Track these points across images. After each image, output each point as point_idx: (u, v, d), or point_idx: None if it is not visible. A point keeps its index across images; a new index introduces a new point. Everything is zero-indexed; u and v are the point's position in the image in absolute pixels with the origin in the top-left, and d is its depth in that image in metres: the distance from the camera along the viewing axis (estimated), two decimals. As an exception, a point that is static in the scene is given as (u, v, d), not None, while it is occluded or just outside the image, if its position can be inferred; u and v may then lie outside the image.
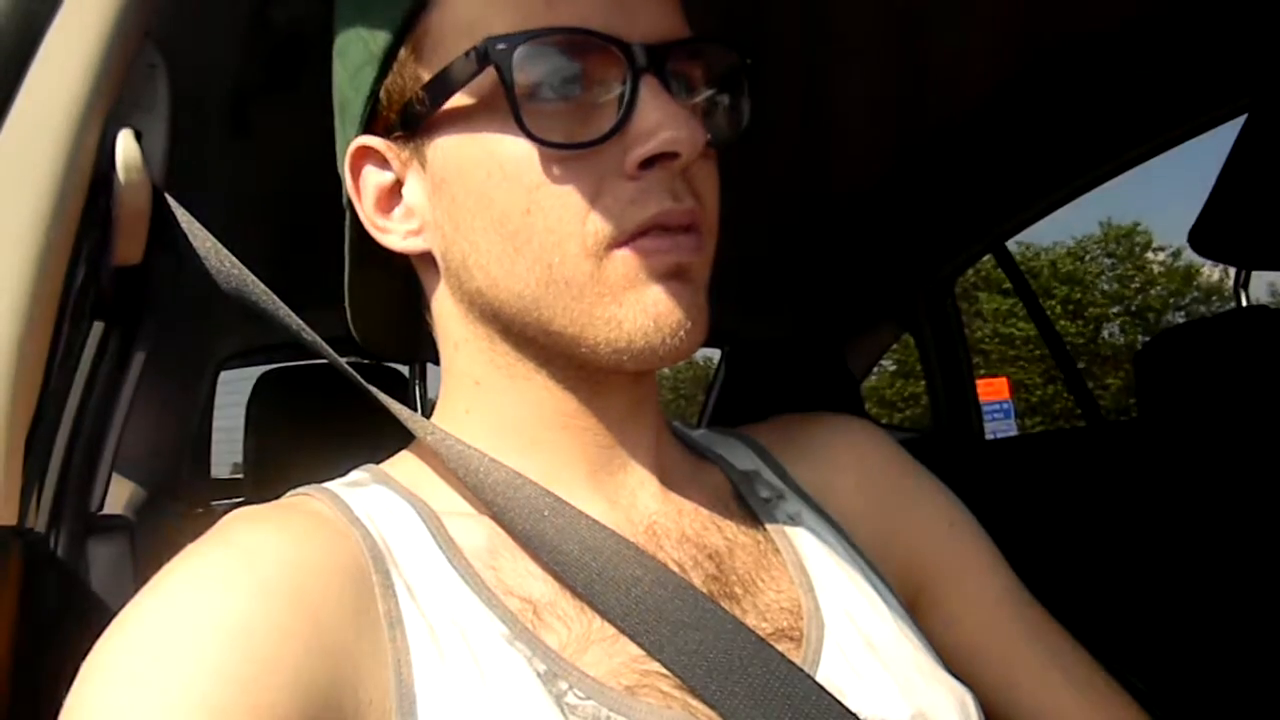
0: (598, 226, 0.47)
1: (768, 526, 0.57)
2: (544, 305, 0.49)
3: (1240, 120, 1.05)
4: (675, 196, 0.48)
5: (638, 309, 0.48)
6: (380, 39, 0.51)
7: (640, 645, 0.46)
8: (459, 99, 0.48)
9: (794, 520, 0.57)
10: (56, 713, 0.38)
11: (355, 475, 0.54)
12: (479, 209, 0.49)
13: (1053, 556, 1.19)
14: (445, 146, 0.50)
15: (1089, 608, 0.96)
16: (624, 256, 0.47)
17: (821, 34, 1.25)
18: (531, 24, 0.47)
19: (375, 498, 0.51)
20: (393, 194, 0.54)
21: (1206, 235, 1.06)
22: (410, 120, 0.51)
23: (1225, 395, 1.28)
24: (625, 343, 0.48)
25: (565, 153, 0.47)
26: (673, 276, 0.48)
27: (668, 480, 0.55)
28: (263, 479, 1.50)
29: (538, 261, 0.48)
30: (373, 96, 0.52)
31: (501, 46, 0.46)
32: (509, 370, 0.53)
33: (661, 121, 0.46)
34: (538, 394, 0.53)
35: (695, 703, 0.45)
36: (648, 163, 0.47)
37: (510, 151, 0.48)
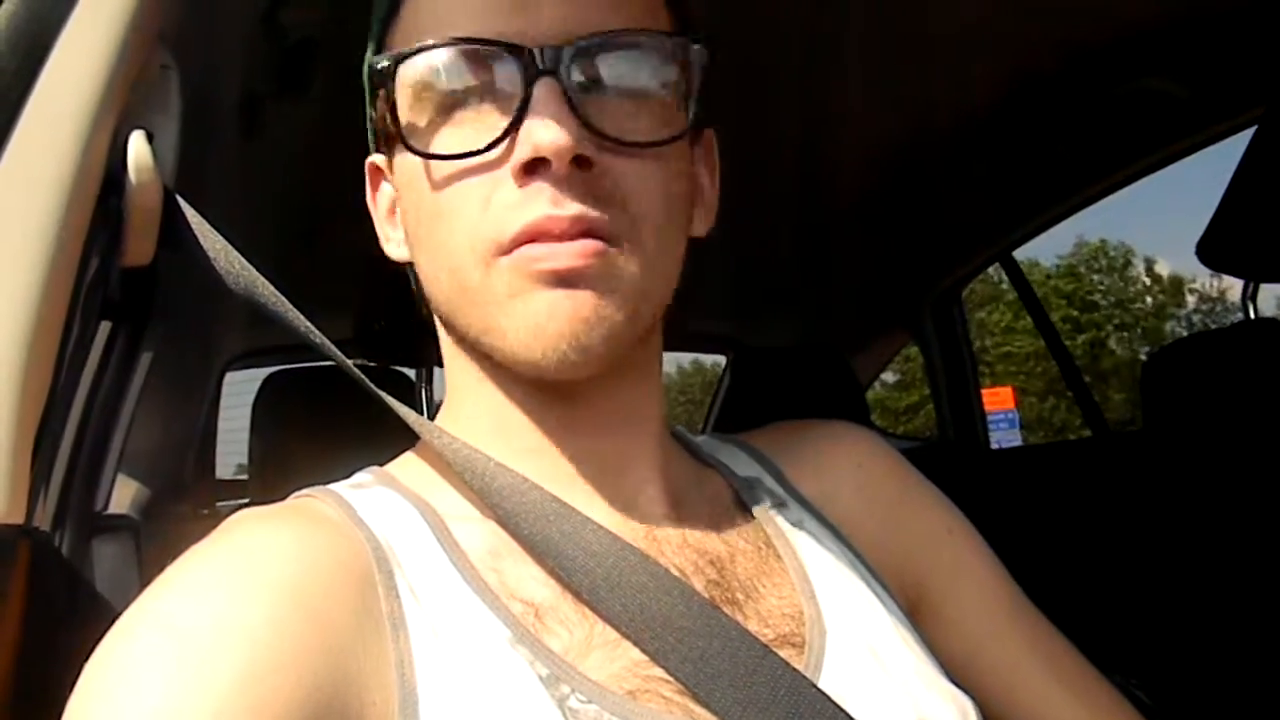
0: (484, 234, 0.47)
1: (769, 533, 0.57)
2: (460, 313, 0.50)
3: (1247, 133, 1.05)
4: (556, 203, 0.46)
5: (519, 320, 0.47)
6: (371, 62, 0.53)
7: (643, 651, 0.46)
8: (392, 117, 0.50)
9: (796, 526, 0.57)
10: (60, 711, 0.38)
11: (359, 477, 0.55)
12: (413, 220, 0.52)
13: (1058, 567, 1.18)
14: (396, 162, 0.53)
15: (1094, 618, 0.95)
16: (508, 264, 0.47)
17: (829, 39, 1.25)
18: (433, 38, 0.48)
19: (379, 500, 0.51)
20: (393, 206, 0.57)
21: (1214, 247, 1.06)
22: (382, 138, 0.55)
23: (1232, 407, 1.28)
24: (512, 354, 0.48)
25: (458, 163, 0.48)
26: (558, 284, 0.46)
27: (669, 486, 0.55)
28: (267, 480, 1.50)
29: (444, 269, 0.49)
30: (369, 116, 0.57)
31: (383, 64, 0.49)
32: (482, 377, 0.54)
33: (533, 126, 0.45)
34: (514, 401, 0.53)
35: (697, 708, 0.45)
36: (531, 168, 0.46)
37: (413, 164, 0.50)
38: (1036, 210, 1.80)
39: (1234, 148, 1.10)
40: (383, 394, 0.53)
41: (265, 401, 1.56)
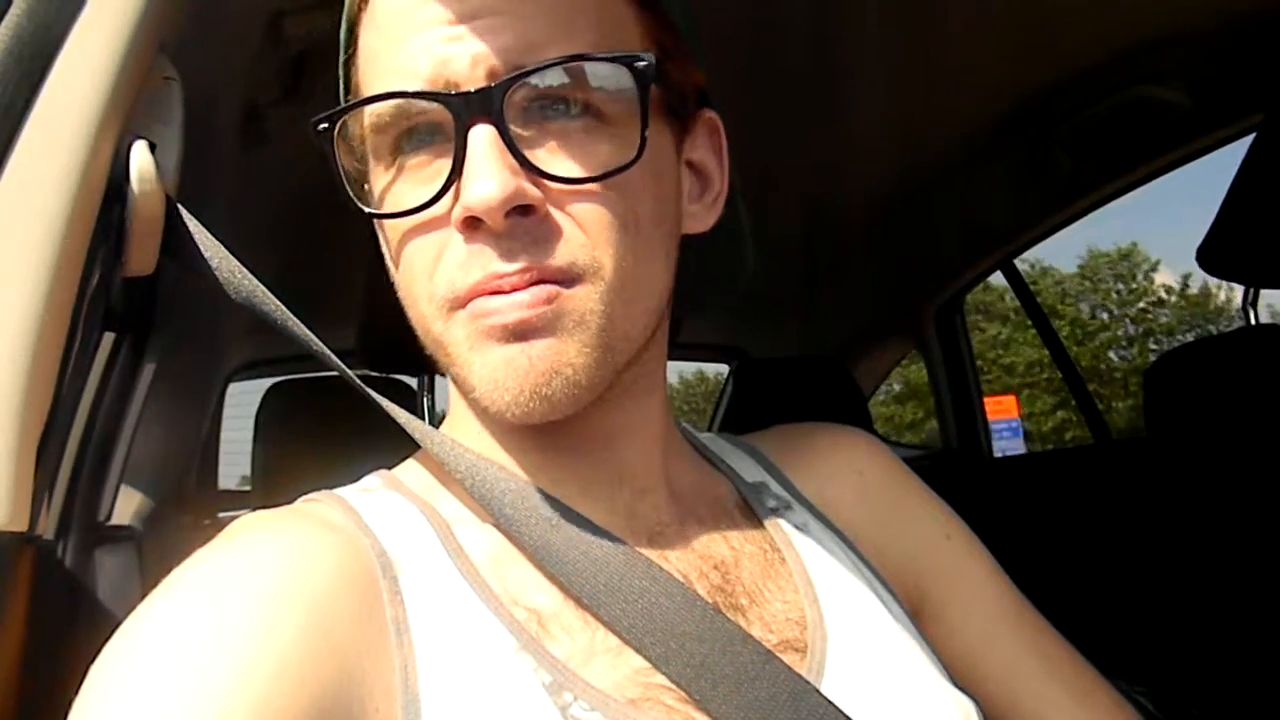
0: (436, 288, 0.47)
1: (775, 537, 0.57)
2: (436, 355, 0.50)
3: (1246, 140, 1.05)
4: (505, 256, 0.45)
5: (481, 372, 0.46)
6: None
7: (646, 657, 0.46)
8: (340, 173, 0.50)
9: (801, 530, 0.57)
10: (63, 717, 0.38)
11: (367, 482, 0.55)
12: (390, 263, 0.52)
13: (1062, 574, 1.18)
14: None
15: (1098, 624, 0.95)
16: (462, 319, 0.46)
17: (833, 50, 1.25)
18: (376, 83, 0.48)
19: (386, 504, 0.51)
20: None
21: (1215, 253, 1.06)
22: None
23: (1234, 413, 1.28)
24: (480, 401, 0.47)
25: (407, 219, 0.47)
26: (511, 339, 0.45)
27: (673, 491, 0.55)
28: (271, 491, 1.50)
29: (414, 315, 0.50)
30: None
31: (323, 127, 0.48)
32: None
33: (467, 180, 0.44)
34: (510, 426, 0.52)
35: (700, 716, 0.45)
36: (472, 224, 0.45)
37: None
38: (1039, 218, 1.81)
39: (1236, 154, 1.10)
40: (385, 402, 0.53)
41: (269, 412, 1.56)
